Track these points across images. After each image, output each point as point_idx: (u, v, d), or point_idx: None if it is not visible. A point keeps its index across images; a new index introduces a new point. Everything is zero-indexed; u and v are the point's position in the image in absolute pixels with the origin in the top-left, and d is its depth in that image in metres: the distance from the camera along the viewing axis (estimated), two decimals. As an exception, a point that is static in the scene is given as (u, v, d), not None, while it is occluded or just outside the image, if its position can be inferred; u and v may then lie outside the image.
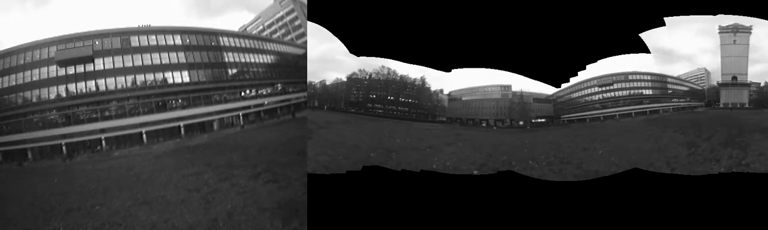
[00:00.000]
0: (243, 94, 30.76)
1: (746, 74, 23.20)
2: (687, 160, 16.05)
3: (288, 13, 37.95)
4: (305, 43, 31.10)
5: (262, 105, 31.54)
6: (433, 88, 25.06)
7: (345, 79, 26.02)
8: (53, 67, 25.19)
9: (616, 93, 24.34)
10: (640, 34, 14.94)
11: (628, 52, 15.40)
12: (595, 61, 15.67)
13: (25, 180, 19.97)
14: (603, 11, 14.46)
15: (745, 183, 13.84)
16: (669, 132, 19.85)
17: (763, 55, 22.51)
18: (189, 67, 28.19)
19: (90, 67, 25.56)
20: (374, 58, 16.03)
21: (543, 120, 24.28)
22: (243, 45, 31.83)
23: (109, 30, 26.46)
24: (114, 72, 25.93)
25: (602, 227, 13.15)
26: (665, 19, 14.66)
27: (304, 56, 31.17)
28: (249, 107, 30.73)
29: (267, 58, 33.12)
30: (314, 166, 15.65)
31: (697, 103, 25.06)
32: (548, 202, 13.81)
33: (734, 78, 23.31)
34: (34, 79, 25.15)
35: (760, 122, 20.23)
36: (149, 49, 27.06)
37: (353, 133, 21.02)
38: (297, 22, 37.41)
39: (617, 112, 24.13)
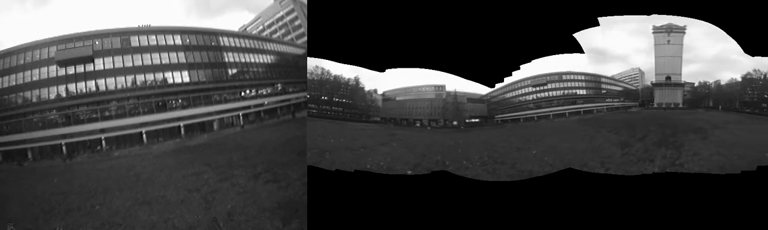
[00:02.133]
0: (243, 94, 30.74)
1: (680, 74, 23.16)
2: (621, 160, 16.11)
3: (288, 13, 37.94)
4: (305, 43, 31.08)
5: (262, 105, 31.53)
6: (367, 88, 24.94)
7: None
8: (53, 67, 25.18)
9: (550, 93, 24.25)
10: (574, 34, 14.92)
11: (562, 52, 15.41)
12: (529, 61, 15.69)
13: (25, 180, 19.97)
14: (537, 11, 14.38)
15: (679, 183, 13.85)
16: (603, 132, 19.93)
17: (697, 55, 22.57)
18: (189, 67, 28.18)
19: (90, 67, 25.54)
20: (310, 58, 16.22)
21: (477, 120, 24.14)
22: (243, 45, 31.82)
23: (109, 30, 26.45)
24: (114, 72, 25.92)
25: (536, 227, 13.16)
26: (600, 19, 14.67)
27: (304, 56, 31.14)
28: (249, 107, 30.72)
29: (267, 58, 33.11)
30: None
31: (631, 103, 25.11)
32: (483, 202, 13.77)
33: (668, 78, 23.33)
34: (34, 79, 25.14)
35: (694, 122, 20.41)
36: (149, 49, 27.05)
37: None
38: (297, 22, 37.41)
39: (551, 111, 24.05)
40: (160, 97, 27.13)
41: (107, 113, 26.11)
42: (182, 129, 27.45)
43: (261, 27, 39.25)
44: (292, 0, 37.55)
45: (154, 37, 27.45)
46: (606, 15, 14.59)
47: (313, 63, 20.81)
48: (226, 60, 30.26)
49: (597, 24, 14.77)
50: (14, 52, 25.43)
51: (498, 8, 14.39)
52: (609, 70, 24.68)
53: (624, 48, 23.15)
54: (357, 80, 24.03)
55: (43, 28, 28.46)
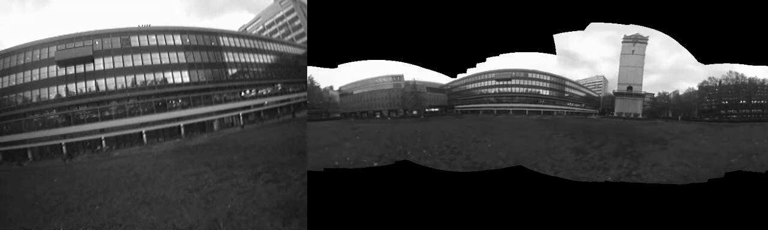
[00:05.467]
0: (243, 94, 30.75)
1: (641, 85, 23.49)
2: (572, 165, 15.98)
3: (288, 13, 37.94)
4: (305, 43, 31.09)
5: (262, 105, 31.53)
6: (322, 86, 24.70)
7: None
8: (53, 67, 25.19)
9: (513, 89, 24.25)
10: (554, 35, 14.72)
11: (533, 51, 15.16)
12: (498, 55, 15.45)
13: (25, 180, 19.96)
14: (512, 6, 14.08)
15: (632, 193, 13.62)
16: (560, 135, 19.88)
17: (657, 66, 22.94)
18: (189, 67, 28.19)
19: (90, 67, 25.55)
20: None
21: (437, 109, 24.18)
22: (243, 45, 31.82)
23: (109, 30, 26.45)
24: (114, 72, 25.93)
25: (479, 220, 13.14)
26: (590, 24, 14.46)
27: (304, 56, 31.16)
28: (249, 107, 30.73)
29: (267, 58, 33.12)
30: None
31: (592, 110, 25.38)
32: (439, 192, 13.77)
33: (630, 88, 23.53)
34: (34, 79, 25.15)
35: (654, 133, 20.37)
36: (149, 49, 27.06)
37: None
38: (297, 22, 37.40)
39: (511, 107, 24.14)
40: (160, 97, 27.13)
41: (107, 113, 26.11)
42: (182, 129, 27.45)
43: (261, 27, 39.25)
44: (292, 0, 37.56)
45: (154, 37, 27.45)
46: (589, 19, 14.38)
47: (725, 68, 20.99)
48: (226, 60, 30.26)
49: (582, 28, 14.59)
50: (14, 52, 25.44)
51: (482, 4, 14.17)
52: (575, 74, 24.98)
53: (594, 54, 23.40)
54: (311, 79, 23.95)
55: (43, 28, 28.55)
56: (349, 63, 15.49)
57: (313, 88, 24.27)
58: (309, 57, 15.15)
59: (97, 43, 25.88)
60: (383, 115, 24.01)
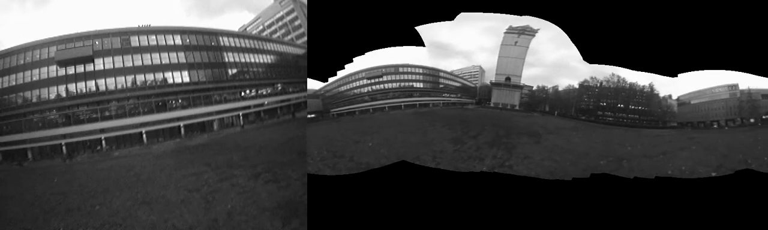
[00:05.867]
0: (243, 94, 30.73)
1: (520, 76, 23.15)
2: (452, 156, 16.10)
3: (288, 13, 37.92)
4: (305, 43, 31.07)
5: (262, 105, 31.52)
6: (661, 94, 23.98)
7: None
8: (53, 67, 25.17)
9: (386, 85, 24.04)
10: (416, 28, 14.62)
11: (402, 45, 15.18)
12: (363, 54, 15.48)
13: (25, 180, 19.96)
14: (376, 4, 14.08)
15: (505, 184, 13.88)
16: (437, 127, 19.88)
17: (540, 59, 22.68)
18: (189, 67, 28.18)
19: (90, 67, 25.54)
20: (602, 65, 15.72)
21: (312, 115, 24.12)
22: (243, 45, 31.81)
23: (109, 30, 26.44)
24: (114, 72, 25.92)
25: (370, 220, 13.28)
26: (461, 14, 14.41)
27: (304, 56, 31.11)
28: (249, 107, 30.71)
29: (267, 58, 33.10)
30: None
31: (468, 100, 24.96)
32: (323, 196, 13.86)
33: (508, 79, 23.29)
34: (34, 79, 25.13)
35: (529, 126, 20.39)
36: (149, 49, 27.04)
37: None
38: (297, 22, 37.38)
39: (387, 104, 23.86)
40: (160, 97, 27.12)
41: (107, 113, 26.10)
42: (182, 129, 27.44)
43: (261, 27, 39.23)
44: (292, 0, 37.53)
45: (154, 37, 27.44)
46: (467, 11, 14.33)
47: (609, 70, 20.80)
48: (226, 60, 30.25)
49: (451, 18, 14.43)
50: (14, 52, 25.42)
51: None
52: (450, 65, 24.56)
53: (469, 45, 22.89)
54: (652, 86, 23.31)
55: (43, 28, 28.44)
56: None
57: (652, 96, 23.64)
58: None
59: (97, 43, 25.86)
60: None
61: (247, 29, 38.98)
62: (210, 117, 28.71)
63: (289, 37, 37.62)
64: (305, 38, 31.55)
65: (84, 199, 15.52)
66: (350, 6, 14.78)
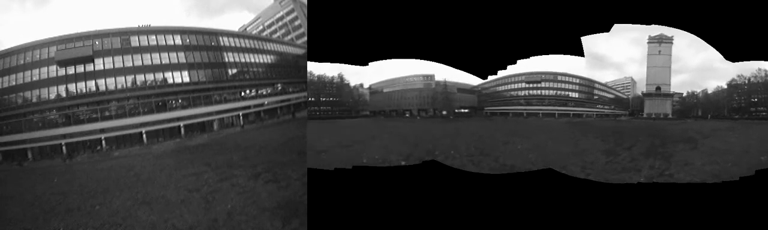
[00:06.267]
0: (243, 94, 30.75)
1: (669, 84, 23.60)
2: (603, 168, 15.88)
3: (288, 13, 37.95)
4: (305, 43, 31.08)
5: (262, 105, 31.53)
6: (352, 84, 25.10)
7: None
8: (53, 67, 25.19)
9: (543, 91, 24.44)
10: (581, 37, 14.60)
11: (562, 53, 15.07)
12: (528, 57, 15.36)
13: (25, 180, 19.95)
14: (544, 9, 14.04)
15: (666, 193, 13.53)
16: (590, 138, 19.87)
17: (683, 65, 23.08)
18: (189, 67, 28.19)
19: (90, 67, 25.56)
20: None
21: (466, 110, 24.34)
22: (243, 45, 31.82)
23: (109, 30, 26.46)
24: (114, 72, 25.93)
25: (506, 222, 13.04)
26: (614, 25, 14.37)
27: (304, 56, 31.16)
28: (249, 107, 30.72)
29: (267, 58, 33.12)
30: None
31: (621, 112, 25.52)
32: (466, 193, 13.69)
33: (658, 88, 23.58)
34: (34, 79, 25.15)
35: (684, 132, 20.30)
36: (149, 49, 27.06)
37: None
38: (297, 22, 37.41)
39: (541, 110, 24.29)
40: (160, 97, 27.14)
41: (107, 113, 26.11)
42: (182, 129, 27.45)
43: (261, 27, 39.26)
44: (292, 0, 37.56)
45: (154, 37, 27.46)
46: (613, 21, 14.29)
47: (754, 66, 21.01)
48: (226, 60, 30.27)
49: (608, 30, 14.48)
50: (14, 52, 25.44)
51: (507, 2, 14.20)
52: (603, 76, 25.10)
53: (620, 56, 23.47)
54: (341, 76, 23.84)
55: (43, 28, 28.56)
56: (381, 61, 15.35)
57: (343, 85, 24.30)
58: (310, 54, 15.06)
59: (97, 43, 25.88)
60: (412, 114, 24.02)
61: (247, 29, 39.02)
62: (210, 117, 28.72)
63: (289, 37, 37.64)
64: (305, 38, 31.56)
65: (84, 199, 15.51)
66: (350, 6, 14.75)
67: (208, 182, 16.41)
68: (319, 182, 14.46)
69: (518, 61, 15.52)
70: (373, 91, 25.00)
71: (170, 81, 27.43)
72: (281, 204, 13.39)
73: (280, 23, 38.44)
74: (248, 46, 32.18)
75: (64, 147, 25.02)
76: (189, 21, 43.87)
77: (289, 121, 30.40)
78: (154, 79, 26.97)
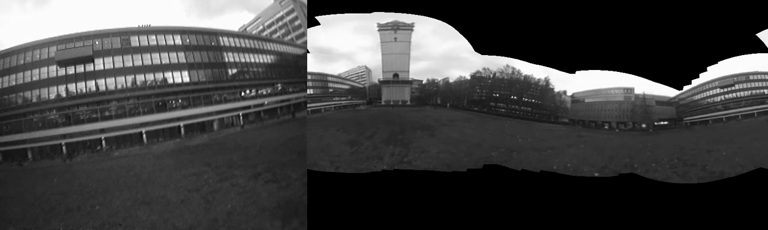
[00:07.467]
0: (243, 94, 30.74)
1: (408, 71, 23.55)
2: None
3: (288, 13, 37.95)
4: (305, 43, 31.10)
5: (262, 105, 31.53)
6: (556, 90, 24.95)
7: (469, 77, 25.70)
8: (53, 67, 25.18)
9: (738, 93, 23.85)
10: (757, 34, 14.45)
11: (746, 53, 15.03)
12: (716, 63, 15.34)
13: (25, 180, 19.95)
14: (716, 12, 14.12)
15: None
16: None
17: (426, 52, 22.98)
18: (189, 67, 28.19)
19: (90, 67, 25.55)
20: (496, 56, 15.67)
21: (665, 122, 24.20)
22: (243, 45, 31.82)
23: (109, 30, 26.45)
24: (114, 72, 25.93)
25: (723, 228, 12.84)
26: None
27: (304, 56, 31.16)
28: (249, 107, 30.72)
29: (267, 58, 33.11)
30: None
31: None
32: (673, 205, 13.54)
33: (396, 75, 23.58)
34: (34, 79, 25.14)
35: (422, 119, 20.61)
36: (149, 49, 27.05)
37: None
38: (297, 22, 37.40)
39: (740, 112, 23.57)
40: (160, 97, 27.13)
41: (107, 113, 26.10)
42: (182, 129, 27.44)
43: (261, 27, 39.26)
44: (292, 0, 37.56)
45: (154, 37, 27.45)
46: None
47: (504, 61, 20.44)
48: (226, 60, 30.26)
49: None
50: (14, 52, 25.43)
51: (682, 10, 14.24)
52: None
53: None
54: (547, 80, 23.81)
55: (43, 28, 28.52)
56: (586, 70, 15.52)
57: (547, 90, 24.19)
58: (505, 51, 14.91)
59: (97, 43, 25.87)
60: (612, 127, 23.94)
61: (247, 29, 39.02)
62: (210, 117, 28.71)
63: (289, 37, 37.64)
64: (305, 38, 31.58)
65: (84, 199, 15.52)
66: (350, 6, 14.74)
67: (208, 182, 16.41)
68: (455, 179, 14.43)
69: (708, 68, 15.46)
70: (575, 99, 25.00)
71: (170, 81, 27.42)
72: (281, 204, 13.40)
73: (280, 23, 38.44)
74: (248, 46, 32.17)
75: (64, 147, 25.01)
76: (189, 21, 43.95)
77: (289, 121, 30.40)
78: (154, 79, 26.96)
